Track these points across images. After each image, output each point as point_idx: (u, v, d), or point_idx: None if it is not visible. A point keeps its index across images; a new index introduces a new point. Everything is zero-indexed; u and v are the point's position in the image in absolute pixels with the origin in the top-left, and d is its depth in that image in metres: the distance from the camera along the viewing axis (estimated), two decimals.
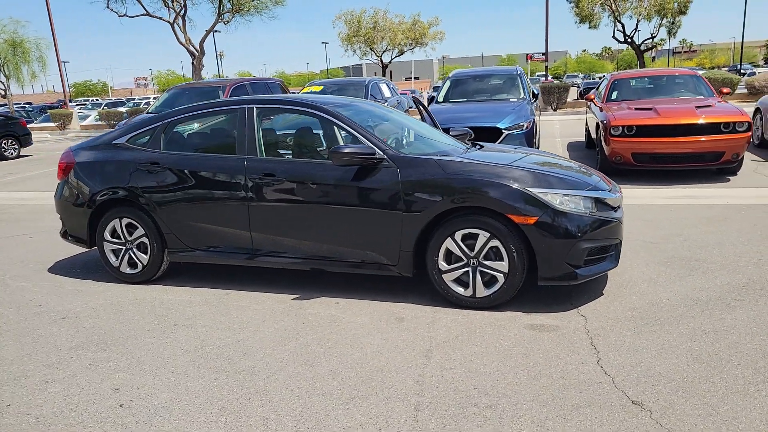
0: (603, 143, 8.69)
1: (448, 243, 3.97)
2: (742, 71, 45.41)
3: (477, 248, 3.92)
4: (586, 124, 12.05)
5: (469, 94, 10.27)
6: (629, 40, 28.62)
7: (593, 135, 10.32)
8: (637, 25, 28.01)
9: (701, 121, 8.05)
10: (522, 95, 9.91)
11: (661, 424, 2.58)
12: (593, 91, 12.16)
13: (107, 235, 4.91)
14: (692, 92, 9.68)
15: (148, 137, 4.87)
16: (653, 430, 2.54)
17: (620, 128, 8.32)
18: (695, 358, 3.17)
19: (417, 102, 6.40)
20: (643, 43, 28.46)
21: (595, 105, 10.02)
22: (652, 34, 28.58)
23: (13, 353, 3.67)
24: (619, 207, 4.16)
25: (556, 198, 3.82)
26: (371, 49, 33.75)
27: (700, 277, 4.40)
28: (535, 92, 10.33)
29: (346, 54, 34.57)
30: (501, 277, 3.90)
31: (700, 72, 15.48)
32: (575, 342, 3.44)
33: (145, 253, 4.83)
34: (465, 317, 3.87)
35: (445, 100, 10.29)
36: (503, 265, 3.87)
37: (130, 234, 4.86)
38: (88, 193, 4.90)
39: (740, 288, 4.14)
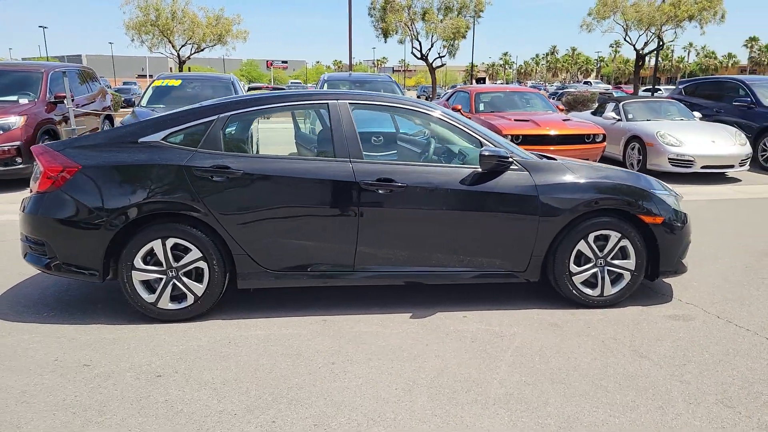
0: None
1: (581, 245, 4.05)
2: None
3: (607, 249, 4.08)
4: None
5: None
6: (424, 57, 31.55)
7: None
8: (432, 44, 31.07)
9: (573, 132, 9.43)
10: None
11: None
12: (443, 101, 13.15)
13: (139, 262, 3.74)
14: (539, 107, 11.18)
15: (197, 135, 3.84)
16: None
17: (509, 137, 9.23)
18: None
19: None
20: (434, 60, 31.72)
21: (463, 115, 10.86)
22: (440, 54, 32.02)
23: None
24: None
25: (670, 198, 4.21)
26: (169, 41, 30.26)
27: (713, 260, 5.23)
28: None
29: (133, 44, 29.90)
30: (627, 275, 4.13)
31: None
32: (724, 327, 3.85)
33: (200, 282, 3.81)
34: (605, 315, 4.00)
35: None
36: (630, 264, 4.11)
37: (177, 259, 3.78)
38: (112, 208, 3.66)
39: (749, 269, 5.06)
